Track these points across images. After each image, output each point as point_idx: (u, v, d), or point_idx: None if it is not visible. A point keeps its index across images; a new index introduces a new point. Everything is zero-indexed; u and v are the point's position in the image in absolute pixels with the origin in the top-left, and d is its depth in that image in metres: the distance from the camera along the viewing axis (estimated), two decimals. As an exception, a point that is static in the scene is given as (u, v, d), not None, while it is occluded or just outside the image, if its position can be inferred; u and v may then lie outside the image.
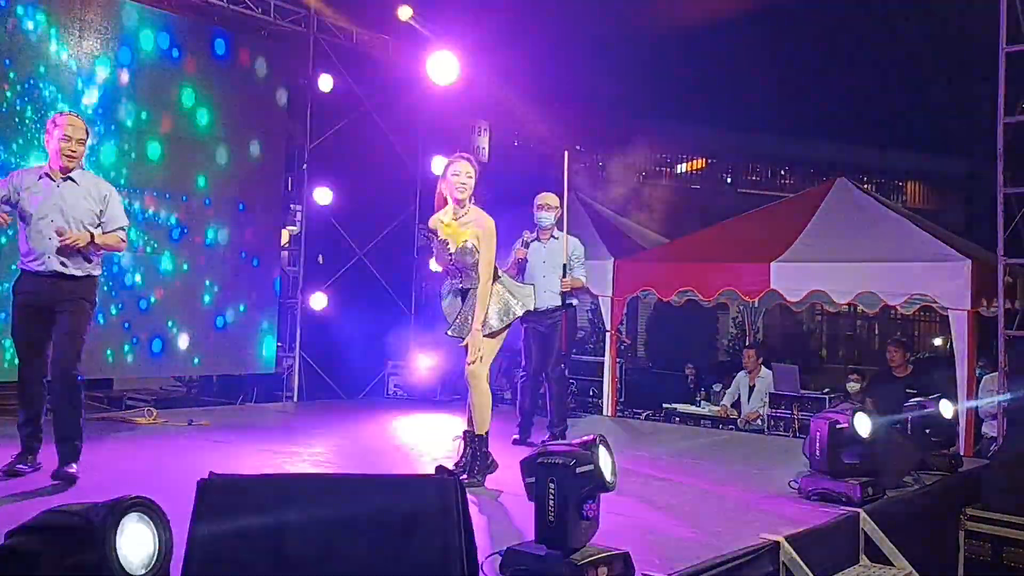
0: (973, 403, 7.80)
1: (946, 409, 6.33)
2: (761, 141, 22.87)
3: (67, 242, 4.81)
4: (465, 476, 5.02)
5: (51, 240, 4.83)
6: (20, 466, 4.94)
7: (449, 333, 5.29)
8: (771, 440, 8.37)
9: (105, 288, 7.40)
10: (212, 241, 8.56)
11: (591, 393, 10.40)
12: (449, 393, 9.19)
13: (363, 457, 6.31)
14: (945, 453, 6.33)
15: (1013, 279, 7.85)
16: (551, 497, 3.29)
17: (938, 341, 16.91)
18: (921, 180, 25.89)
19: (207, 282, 8.53)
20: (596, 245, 9.96)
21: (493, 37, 10.75)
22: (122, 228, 5.12)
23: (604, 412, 9.70)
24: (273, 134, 9.17)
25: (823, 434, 5.20)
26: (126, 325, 7.88)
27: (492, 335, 5.15)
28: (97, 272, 5.07)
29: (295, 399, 9.26)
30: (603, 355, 10.34)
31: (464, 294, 5.22)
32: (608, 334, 10.10)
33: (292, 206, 9.69)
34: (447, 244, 5.15)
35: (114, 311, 7.74)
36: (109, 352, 7.77)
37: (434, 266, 9.45)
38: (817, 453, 5.22)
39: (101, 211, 5.01)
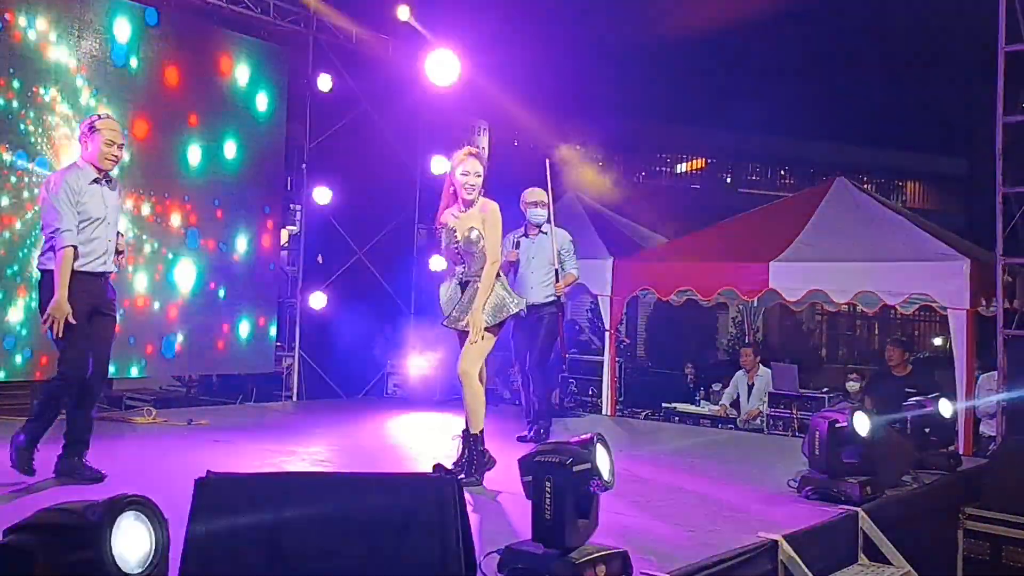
0: (972, 402, 7.80)
1: (945, 408, 6.33)
2: (761, 141, 22.88)
3: (119, 246, 5.06)
4: (463, 475, 5.03)
5: (109, 242, 4.97)
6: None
7: (445, 324, 5.34)
8: (770, 439, 8.38)
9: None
10: (212, 241, 8.56)
11: (591, 392, 10.41)
12: (448, 393, 9.19)
13: (362, 457, 6.31)
14: (944, 452, 6.33)
15: (1012, 278, 7.85)
16: (547, 496, 3.30)
17: (937, 341, 16.92)
18: (921, 180, 25.90)
19: (206, 282, 8.52)
20: (596, 245, 9.97)
21: (492, 37, 10.76)
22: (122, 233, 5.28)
23: (604, 411, 9.70)
24: (273, 134, 9.18)
25: (822, 433, 5.20)
26: (126, 325, 7.87)
27: (486, 330, 5.16)
28: None
29: (295, 399, 9.27)
30: (603, 355, 10.34)
31: (465, 285, 5.27)
32: (608, 334, 10.10)
33: (292, 206, 9.70)
34: (454, 232, 5.26)
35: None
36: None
37: (434, 265, 9.48)
38: (816, 452, 5.22)
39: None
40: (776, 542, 4.26)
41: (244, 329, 8.87)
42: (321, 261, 9.62)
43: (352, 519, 2.83)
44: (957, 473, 6.27)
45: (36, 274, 5.04)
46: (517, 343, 7.03)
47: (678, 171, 24.78)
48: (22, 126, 7.09)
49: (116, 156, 4.97)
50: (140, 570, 2.55)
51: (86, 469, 4.92)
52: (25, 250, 7.04)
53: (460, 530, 2.84)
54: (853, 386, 9.55)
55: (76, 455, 4.93)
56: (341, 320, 9.43)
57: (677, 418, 9.82)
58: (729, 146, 23.55)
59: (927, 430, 6.14)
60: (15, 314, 7.06)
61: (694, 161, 24.67)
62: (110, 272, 5.06)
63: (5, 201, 7.01)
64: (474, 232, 5.20)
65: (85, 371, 4.89)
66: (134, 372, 8.15)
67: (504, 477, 4.97)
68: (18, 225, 7.08)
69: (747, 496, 5.29)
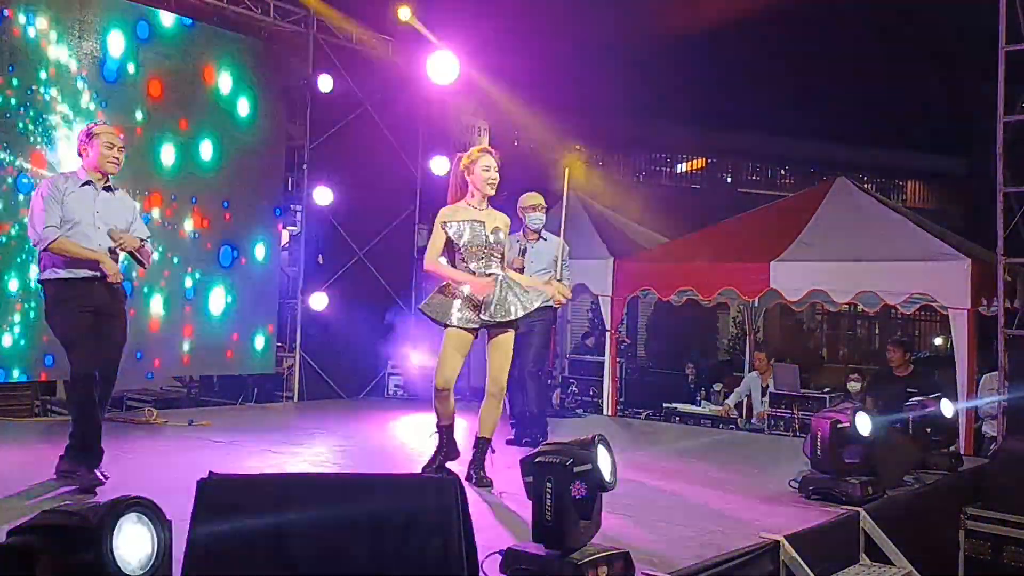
0: (973, 402, 7.79)
1: (946, 408, 6.33)
2: (761, 141, 22.87)
3: (122, 245, 4.91)
4: (481, 476, 5.13)
5: (101, 246, 4.90)
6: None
7: (487, 317, 5.05)
8: (771, 439, 8.38)
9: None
10: (212, 241, 8.56)
11: (591, 393, 10.41)
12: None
13: (363, 457, 6.31)
14: (945, 452, 6.33)
15: (1013, 278, 7.84)
16: (548, 496, 3.29)
17: (939, 340, 16.91)
18: (921, 180, 25.89)
19: (206, 282, 8.52)
20: (596, 245, 9.97)
21: (493, 37, 10.76)
22: (148, 239, 5.21)
23: (604, 412, 9.71)
24: (273, 134, 9.17)
25: (824, 433, 5.20)
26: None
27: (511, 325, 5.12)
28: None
29: (295, 399, 9.26)
30: (603, 355, 10.34)
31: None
32: (608, 334, 10.10)
33: (292, 206, 9.70)
34: (483, 225, 5.11)
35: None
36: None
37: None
38: (818, 452, 5.21)
39: (130, 222, 5.10)
40: (778, 542, 4.26)
41: (244, 329, 8.86)
42: (321, 261, 9.61)
43: (354, 520, 2.82)
44: (958, 473, 6.27)
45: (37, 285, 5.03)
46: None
47: (678, 171, 24.76)
48: (20, 124, 7.10)
49: (117, 159, 4.97)
50: (142, 572, 2.55)
51: (85, 477, 4.77)
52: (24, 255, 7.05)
53: (462, 531, 2.84)
54: (854, 386, 9.55)
55: (83, 461, 4.85)
56: (341, 320, 9.43)
57: (678, 418, 9.83)
58: (729, 146, 23.53)
59: (928, 430, 6.14)
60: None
61: (694, 161, 24.64)
62: (102, 277, 4.91)
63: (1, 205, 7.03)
64: (500, 233, 5.16)
65: (96, 366, 4.82)
66: (130, 370, 8.15)
67: (506, 477, 4.97)
68: (14, 231, 7.08)
69: (749, 496, 5.29)
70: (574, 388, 10.56)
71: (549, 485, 3.29)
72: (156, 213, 8.05)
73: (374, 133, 9.77)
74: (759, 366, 9.90)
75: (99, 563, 2.43)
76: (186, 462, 5.56)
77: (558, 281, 6.19)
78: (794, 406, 8.95)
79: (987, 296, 7.97)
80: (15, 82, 7.08)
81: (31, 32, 7.19)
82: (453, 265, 5.16)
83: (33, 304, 7.03)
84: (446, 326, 5.09)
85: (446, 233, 5.11)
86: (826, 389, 9.52)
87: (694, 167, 24.82)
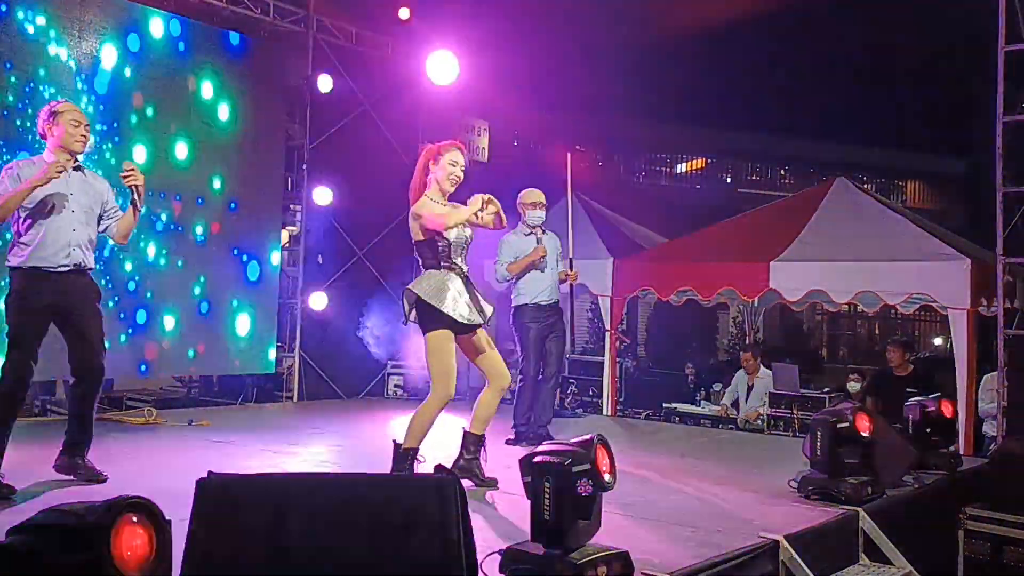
0: (973, 403, 7.80)
1: (946, 408, 6.32)
2: (761, 141, 22.88)
3: (134, 178, 4.73)
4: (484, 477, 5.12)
5: (75, 231, 4.74)
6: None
7: (481, 320, 4.98)
8: (771, 440, 8.37)
9: (103, 287, 7.39)
10: (212, 241, 8.56)
11: (591, 393, 10.41)
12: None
13: (363, 457, 6.30)
14: (945, 452, 6.32)
15: (1012, 278, 7.84)
16: (547, 496, 3.29)
17: (938, 341, 16.92)
18: (921, 180, 25.89)
19: (206, 282, 8.52)
20: (596, 245, 9.97)
21: (492, 37, 10.76)
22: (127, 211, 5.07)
23: (604, 412, 9.70)
24: (273, 134, 9.17)
25: (823, 433, 5.20)
26: (125, 325, 7.87)
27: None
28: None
29: (295, 399, 9.26)
30: (603, 355, 10.33)
31: (467, 282, 5.02)
32: (608, 334, 10.10)
33: (292, 206, 9.69)
34: (465, 225, 5.00)
35: (113, 310, 7.73)
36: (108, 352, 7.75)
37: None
38: (817, 452, 5.21)
39: (104, 202, 4.95)
40: (777, 542, 4.25)
41: (243, 329, 8.86)
42: (321, 262, 9.61)
43: (353, 520, 2.82)
44: (958, 473, 6.26)
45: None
46: (540, 348, 6.83)
47: (678, 171, 24.77)
48: (16, 121, 7.10)
49: (84, 136, 4.80)
50: (141, 572, 2.54)
51: (86, 469, 4.90)
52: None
53: (461, 531, 2.83)
54: (854, 386, 9.56)
55: (76, 455, 4.92)
56: (342, 320, 9.42)
57: (677, 418, 9.83)
58: (729, 146, 23.54)
59: (928, 430, 6.13)
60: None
61: (694, 161, 24.64)
62: (75, 267, 4.77)
63: None
64: (468, 229, 5.06)
65: (25, 376, 4.66)
66: (130, 370, 8.16)
67: (506, 477, 4.97)
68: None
69: (748, 496, 5.29)
70: (574, 388, 10.56)
71: (548, 485, 3.29)
72: (160, 213, 8.06)
73: (374, 133, 9.77)
74: (746, 365, 9.89)
75: (98, 563, 2.43)
76: (185, 462, 5.55)
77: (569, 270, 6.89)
78: (794, 406, 8.95)
79: (987, 296, 7.96)
80: (12, 79, 7.07)
81: (29, 29, 7.18)
82: (436, 259, 4.97)
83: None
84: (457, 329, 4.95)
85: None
86: (826, 389, 9.52)
87: (694, 167, 24.82)
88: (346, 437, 7.19)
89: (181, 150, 8.28)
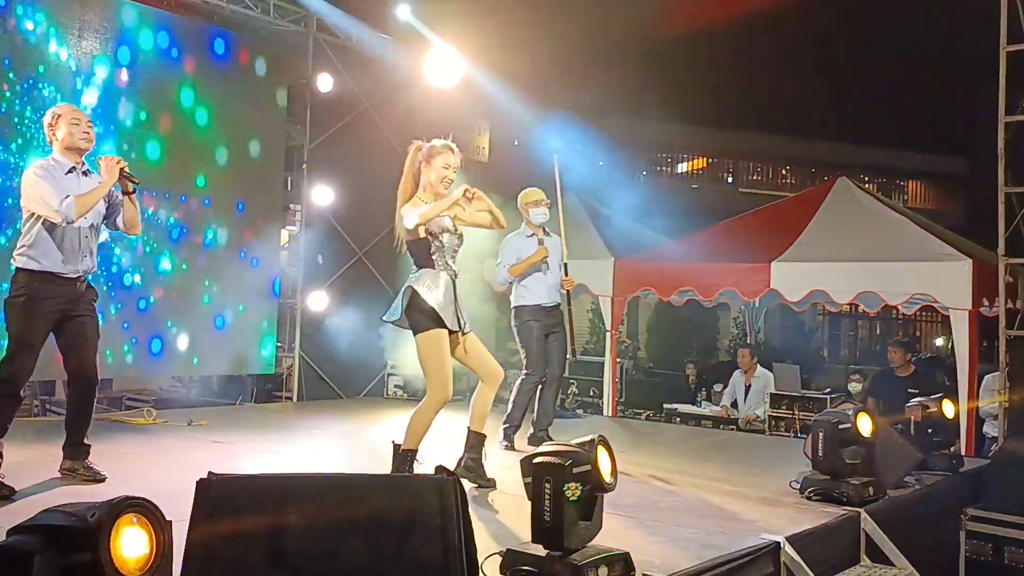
0: (975, 403, 7.79)
1: (948, 409, 6.32)
2: (762, 141, 22.86)
3: (114, 169, 4.70)
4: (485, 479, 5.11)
5: (87, 238, 4.79)
6: None
7: (459, 329, 4.97)
8: (772, 440, 8.37)
9: (105, 289, 7.40)
10: (212, 241, 8.55)
11: (591, 393, 10.40)
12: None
13: (363, 457, 6.29)
14: (946, 453, 6.32)
15: (1014, 278, 7.84)
16: (547, 497, 3.28)
17: (940, 341, 16.89)
18: (922, 179, 25.87)
19: (206, 282, 8.51)
20: (596, 245, 9.96)
21: (493, 37, 10.74)
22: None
23: (604, 412, 9.70)
24: (273, 134, 9.17)
25: (825, 434, 5.19)
26: (126, 326, 7.87)
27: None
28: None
29: (295, 399, 9.25)
30: (603, 355, 10.32)
31: (455, 285, 4.97)
32: (608, 334, 10.08)
33: (292, 206, 9.69)
34: (454, 223, 4.93)
35: (114, 312, 7.73)
36: (108, 353, 7.74)
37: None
38: (818, 453, 5.20)
39: (110, 204, 4.98)
40: (778, 543, 4.25)
41: (244, 329, 8.85)
42: (321, 262, 9.60)
43: (354, 520, 2.81)
44: (959, 474, 6.26)
45: (12, 267, 4.81)
46: (544, 343, 6.74)
47: (678, 171, 24.75)
48: (16, 120, 7.09)
49: (87, 132, 4.80)
50: (141, 572, 2.54)
51: (86, 469, 4.90)
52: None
53: (462, 532, 2.82)
54: (855, 387, 9.55)
55: (76, 456, 4.93)
56: (341, 321, 9.41)
57: (678, 419, 9.82)
58: (729, 146, 23.52)
59: (929, 431, 6.13)
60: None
61: (694, 161, 24.62)
62: (84, 273, 4.82)
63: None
64: (459, 235, 5.01)
65: (26, 377, 4.68)
66: (130, 370, 8.15)
67: (506, 478, 4.96)
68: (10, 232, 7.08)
69: (749, 497, 5.28)
70: (574, 388, 10.55)
71: (548, 485, 3.28)
72: (160, 213, 8.05)
73: (374, 133, 9.75)
74: (743, 364, 9.86)
75: (98, 564, 2.42)
76: (185, 462, 5.55)
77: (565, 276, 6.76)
78: (795, 407, 8.94)
79: (988, 296, 7.96)
80: (11, 76, 7.06)
81: (28, 26, 7.17)
82: (429, 258, 4.92)
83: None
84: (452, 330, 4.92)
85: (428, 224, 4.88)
86: (827, 390, 9.51)
87: (695, 167, 24.80)
88: (346, 437, 7.18)
89: (181, 150, 8.27)
